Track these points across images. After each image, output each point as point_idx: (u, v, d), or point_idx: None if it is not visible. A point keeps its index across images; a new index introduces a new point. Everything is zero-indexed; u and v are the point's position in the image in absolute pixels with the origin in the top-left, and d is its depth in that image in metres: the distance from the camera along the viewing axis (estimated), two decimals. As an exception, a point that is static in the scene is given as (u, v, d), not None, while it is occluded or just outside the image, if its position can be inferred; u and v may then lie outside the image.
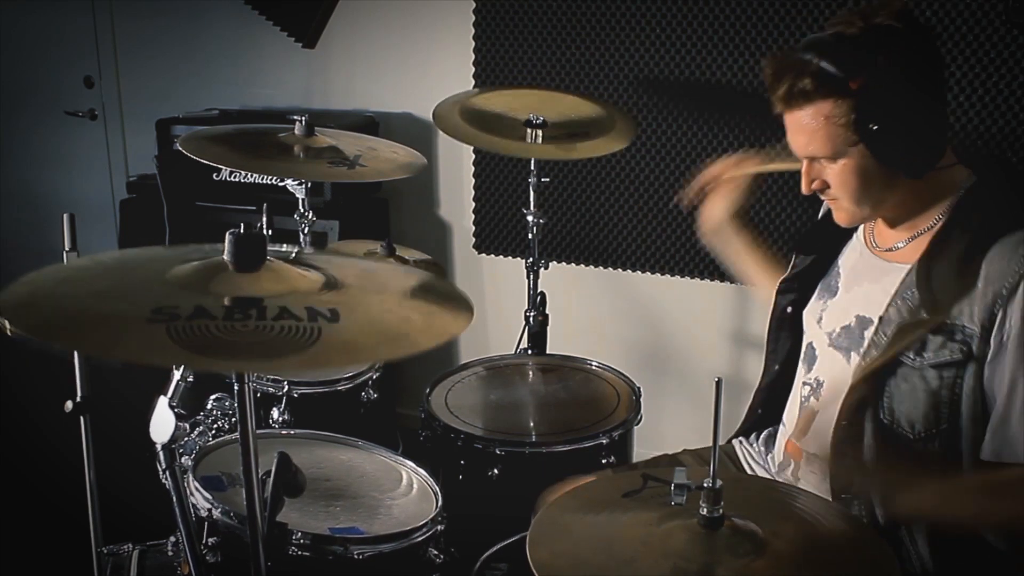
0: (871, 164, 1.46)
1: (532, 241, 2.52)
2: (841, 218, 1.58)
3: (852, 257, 1.67)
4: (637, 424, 2.11)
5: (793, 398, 1.71)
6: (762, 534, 1.13)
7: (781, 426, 1.75)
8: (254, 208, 2.75)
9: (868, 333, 1.53)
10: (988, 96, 2.35)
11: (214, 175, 3.06)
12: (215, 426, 1.71)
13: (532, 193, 2.48)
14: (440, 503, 1.67)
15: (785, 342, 1.77)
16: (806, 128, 1.47)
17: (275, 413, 2.04)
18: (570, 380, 2.29)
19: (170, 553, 1.71)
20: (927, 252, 1.49)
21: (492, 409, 2.15)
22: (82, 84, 3.85)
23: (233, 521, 1.52)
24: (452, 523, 1.65)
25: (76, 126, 3.91)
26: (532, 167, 2.47)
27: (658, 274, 2.89)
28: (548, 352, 2.53)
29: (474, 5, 2.91)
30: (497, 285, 3.21)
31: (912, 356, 1.46)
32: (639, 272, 2.91)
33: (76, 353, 1.72)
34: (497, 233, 3.09)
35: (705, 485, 1.12)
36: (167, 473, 1.53)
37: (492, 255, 3.13)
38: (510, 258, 3.10)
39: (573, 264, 3.00)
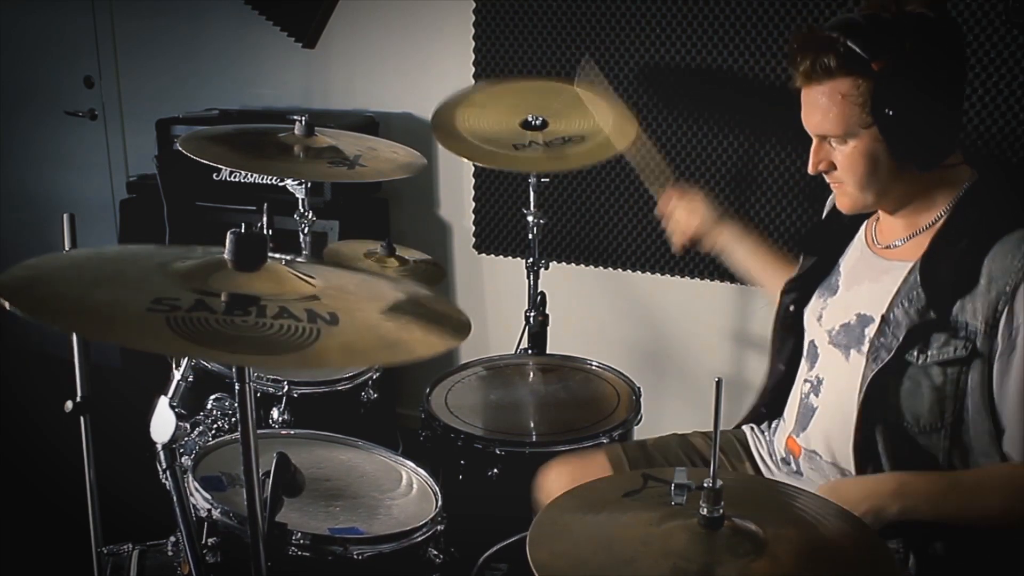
0: (880, 149, 1.46)
1: (532, 241, 2.52)
2: (844, 204, 1.58)
3: (853, 256, 1.67)
4: (637, 424, 2.10)
5: (794, 395, 1.72)
6: (762, 534, 1.13)
7: (782, 422, 1.76)
8: (254, 208, 2.75)
9: (869, 331, 1.53)
10: (988, 96, 2.35)
11: (214, 175, 3.06)
12: (215, 426, 1.72)
13: (532, 193, 2.48)
14: (440, 503, 1.67)
15: (788, 341, 1.78)
16: (821, 105, 1.48)
17: (275, 413, 2.04)
18: (570, 380, 2.29)
19: (170, 553, 1.71)
20: (929, 251, 1.49)
21: (492, 409, 2.15)
22: (82, 84, 3.85)
23: (233, 521, 1.52)
24: (452, 523, 1.65)
25: (76, 126, 3.90)
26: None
27: (658, 274, 2.89)
28: (548, 352, 2.52)
29: (474, 5, 2.91)
30: (497, 285, 3.21)
31: (916, 354, 1.46)
32: (639, 272, 2.91)
33: (76, 352, 1.72)
34: (497, 233, 3.09)
35: (705, 485, 1.12)
36: (167, 473, 1.53)
37: (492, 255, 3.13)
38: (510, 258, 3.10)
39: (573, 264, 3.00)
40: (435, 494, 1.71)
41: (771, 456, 1.77)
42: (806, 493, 1.33)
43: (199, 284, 1.10)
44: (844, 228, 1.70)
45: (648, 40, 2.70)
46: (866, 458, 1.52)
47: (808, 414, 1.65)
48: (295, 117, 2.14)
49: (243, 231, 1.15)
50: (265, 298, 1.09)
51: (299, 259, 1.27)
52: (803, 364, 1.71)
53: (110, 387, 2.06)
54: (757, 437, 1.82)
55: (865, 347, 1.53)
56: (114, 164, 3.90)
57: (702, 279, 2.83)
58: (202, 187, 3.10)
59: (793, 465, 1.68)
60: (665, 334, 3.03)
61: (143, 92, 3.72)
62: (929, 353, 1.45)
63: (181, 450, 1.60)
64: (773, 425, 1.82)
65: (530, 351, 2.52)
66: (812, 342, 1.68)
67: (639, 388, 2.21)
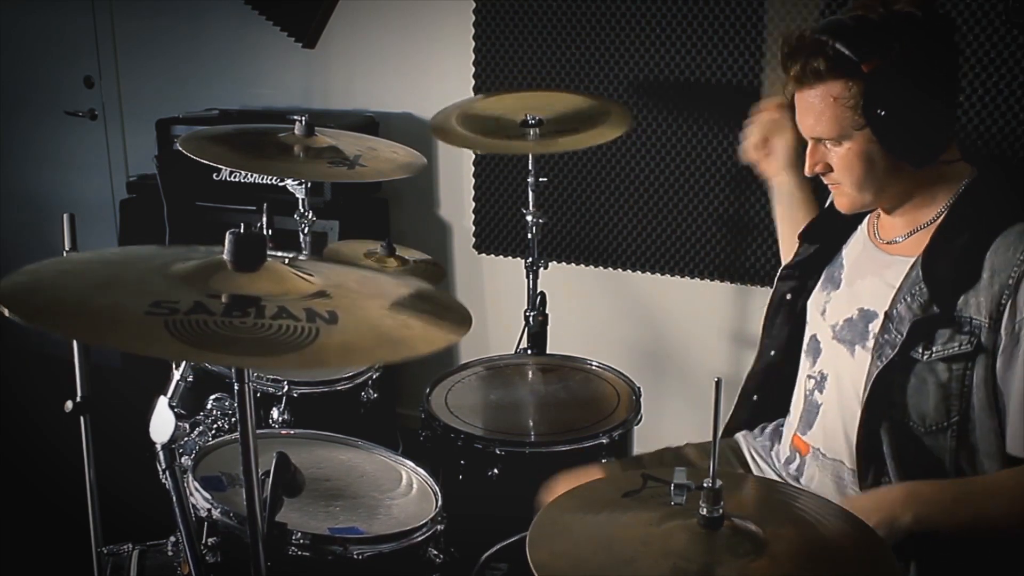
0: (875, 150, 1.46)
1: (532, 241, 2.52)
2: (842, 203, 1.58)
3: (856, 249, 1.67)
4: (637, 424, 2.11)
5: (798, 392, 1.71)
6: (762, 534, 1.13)
7: (787, 419, 1.75)
8: (254, 208, 2.75)
9: (872, 327, 1.53)
10: (988, 96, 2.35)
11: (214, 175, 3.06)
12: (215, 426, 1.71)
13: (531, 193, 2.48)
14: (440, 503, 1.67)
15: (782, 328, 1.77)
16: (814, 108, 1.48)
17: (275, 413, 2.04)
18: (570, 380, 2.29)
19: (170, 553, 1.71)
20: (930, 246, 1.49)
21: (492, 409, 2.15)
22: (82, 84, 3.85)
23: (233, 521, 1.52)
24: (452, 523, 1.65)
25: (76, 126, 3.90)
26: (531, 166, 2.47)
27: (658, 274, 2.89)
28: (548, 352, 2.53)
29: (474, 5, 2.91)
30: (497, 285, 3.21)
31: (920, 350, 1.46)
32: (639, 272, 2.91)
33: (76, 352, 1.72)
34: (497, 233, 3.09)
35: (705, 485, 1.12)
36: (167, 473, 1.53)
37: (492, 255, 3.13)
38: (510, 258, 3.10)
39: (573, 264, 3.00)
40: (435, 494, 1.71)
41: (770, 457, 1.76)
42: (806, 493, 1.33)
43: (199, 286, 1.10)
44: (845, 218, 1.69)
45: (648, 40, 2.70)
46: (868, 458, 1.51)
47: (813, 411, 1.64)
48: (295, 117, 2.14)
49: (242, 231, 1.15)
50: (265, 298, 1.09)
51: (300, 257, 1.27)
52: (804, 359, 1.71)
53: (110, 387, 2.06)
54: (751, 442, 1.82)
55: (870, 343, 1.53)
56: (114, 164, 3.90)
57: (702, 279, 2.83)
58: (202, 187, 3.10)
59: (797, 463, 1.68)
60: (665, 334, 3.03)
61: (143, 92, 3.72)
62: (934, 349, 1.45)
63: (181, 450, 1.60)
64: (767, 431, 1.81)
65: (530, 351, 2.52)
66: (814, 336, 1.68)
67: (639, 388, 2.21)
